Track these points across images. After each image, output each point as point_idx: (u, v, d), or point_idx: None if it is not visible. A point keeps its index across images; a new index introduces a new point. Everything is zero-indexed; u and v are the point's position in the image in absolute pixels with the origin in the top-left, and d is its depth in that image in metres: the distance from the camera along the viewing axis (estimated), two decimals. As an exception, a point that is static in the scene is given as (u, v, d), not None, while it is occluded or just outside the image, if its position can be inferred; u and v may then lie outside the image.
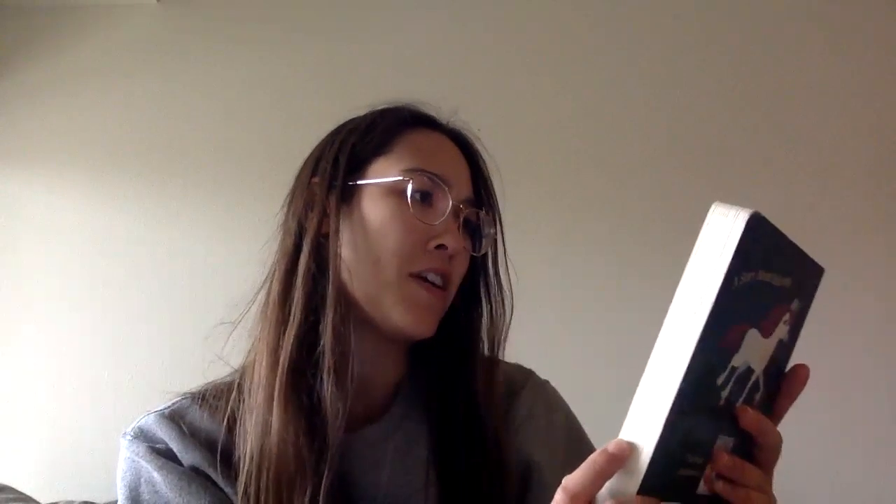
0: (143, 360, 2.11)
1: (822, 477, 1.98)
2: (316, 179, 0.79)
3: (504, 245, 0.87)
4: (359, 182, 0.78)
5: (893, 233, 2.07)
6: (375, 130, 0.81)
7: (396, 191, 0.77)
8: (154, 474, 0.74)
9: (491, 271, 0.85)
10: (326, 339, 0.73)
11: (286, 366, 0.73)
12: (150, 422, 0.77)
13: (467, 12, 2.21)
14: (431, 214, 0.77)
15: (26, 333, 2.17)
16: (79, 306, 2.17)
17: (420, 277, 0.76)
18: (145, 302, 2.16)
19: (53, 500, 1.84)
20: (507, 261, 0.88)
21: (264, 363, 0.74)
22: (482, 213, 0.83)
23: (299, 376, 0.73)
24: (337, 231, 0.76)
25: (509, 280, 0.87)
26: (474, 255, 0.83)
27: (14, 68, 2.21)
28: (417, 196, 0.77)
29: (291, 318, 0.74)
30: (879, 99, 2.12)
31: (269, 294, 0.78)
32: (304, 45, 2.22)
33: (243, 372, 0.79)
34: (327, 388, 0.72)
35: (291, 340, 0.73)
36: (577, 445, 0.83)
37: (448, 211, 0.77)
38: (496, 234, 0.84)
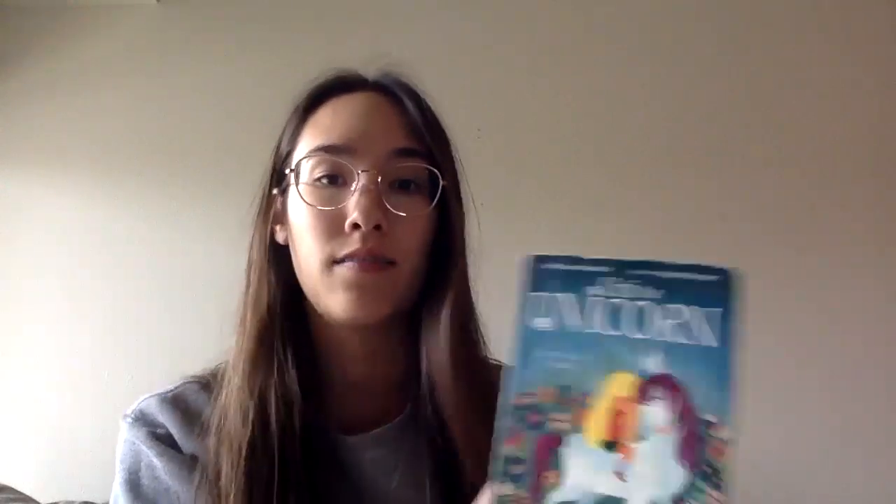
0: (144, 360, 2.11)
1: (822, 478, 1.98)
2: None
3: (465, 192, 0.78)
4: (284, 185, 0.76)
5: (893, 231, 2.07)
6: (287, 125, 0.78)
7: (305, 183, 0.73)
8: (154, 460, 0.73)
9: (455, 226, 0.75)
10: (276, 338, 0.73)
11: (247, 359, 0.73)
12: (151, 405, 0.76)
13: (469, 11, 2.21)
14: (342, 194, 0.71)
15: (27, 333, 2.17)
16: (79, 306, 2.17)
17: (343, 261, 0.71)
18: (146, 302, 2.16)
19: (53, 500, 1.84)
20: (473, 203, 0.79)
21: (231, 360, 0.75)
22: (419, 164, 0.73)
23: (258, 375, 0.73)
24: (284, 240, 0.77)
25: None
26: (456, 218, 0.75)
27: (14, 68, 2.21)
28: (323, 180, 0.72)
29: (244, 326, 0.75)
30: (880, 97, 2.12)
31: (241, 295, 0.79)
32: (304, 44, 2.21)
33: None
34: (278, 390, 0.71)
35: (249, 343, 0.74)
36: None
37: (358, 183, 0.70)
38: (445, 182, 0.73)
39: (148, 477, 0.73)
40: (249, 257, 0.78)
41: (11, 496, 1.69)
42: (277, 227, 0.77)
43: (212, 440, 0.72)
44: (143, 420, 0.75)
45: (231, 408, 0.72)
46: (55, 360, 2.15)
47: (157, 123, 2.21)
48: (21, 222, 2.20)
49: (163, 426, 0.75)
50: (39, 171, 2.21)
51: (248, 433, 0.70)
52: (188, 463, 0.73)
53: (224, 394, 0.74)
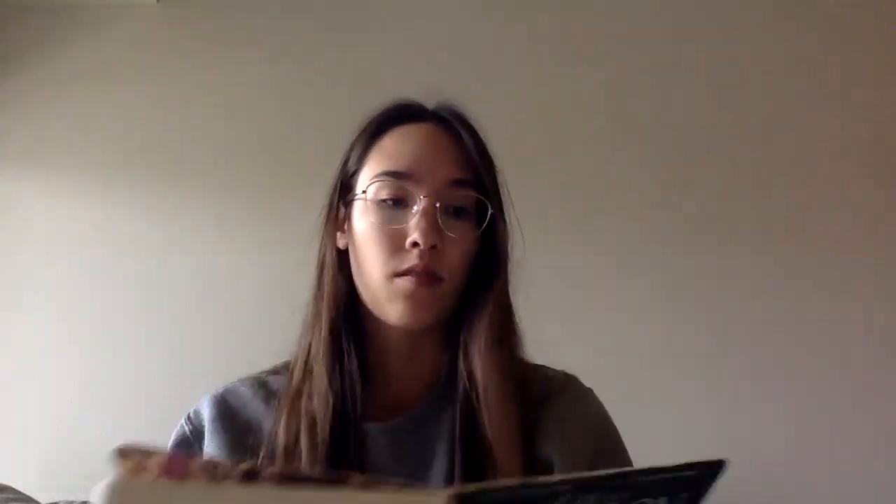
0: (144, 360, 2.11)
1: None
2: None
3: (508, 214, 0.88)
4: (349, 199, 0.87)
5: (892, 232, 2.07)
6: (356, 144, 0.88)
7: (372, 200, 0.83)
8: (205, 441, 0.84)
9: (500, 246, 0.86)
10: (345, 332, 0.84)
11: (322, 356, 0.83)
12: (203, 402, 0.87)
13: (471, 9, 2.22)
14: (403, 215, 0.82)
15: (26, 333, 2.17)
16: (80, 307, 2.17)
17: (403, 275, 0.81)
18: (146, 302, 2.16)
19: (53, 500, 1.84)
20: (517, 229, 0.88)
21: (299, 359, 0.85)
22: (470, 193, 0.84)
23: (333, 365, 0.83)
24: (345, 245, 0.87)
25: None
26: (495, 237, 0.86)
27: (13, 68, 2.21)
28: (389, 202, 0.83)
29: (319, 321, 0.85)
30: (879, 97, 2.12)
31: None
32: (305, 45, 2.22)
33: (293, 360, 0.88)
34: (348, 379, 0.82)
35: (323, 337, 0.84)
36: (606, 456, 0.85)
37: (419, 207, 0.81)
38: (493, 210, 0.84)
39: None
40: (321, 260, 0.88)
41: (11, 496, 1.69)
42: (339, 234, 0.88)
43: (285, 422, 0.81)
44: (194, 417, 0.86)
45: (315, 394, 0.82)
46: (55, 359, 2.15)
47: (156, 124, 2.21)
48: (21, 223, 2.20)
49: (202, 424, 0.85)
50: (37, 170, 2.21)
51: (331, 416, 0.80)
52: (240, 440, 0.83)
53: (301, 381, 0.84)
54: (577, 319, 2.07)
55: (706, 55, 2.17)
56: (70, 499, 1.88)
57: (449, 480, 0.80)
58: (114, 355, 2.13)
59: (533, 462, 0.81)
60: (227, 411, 0.85)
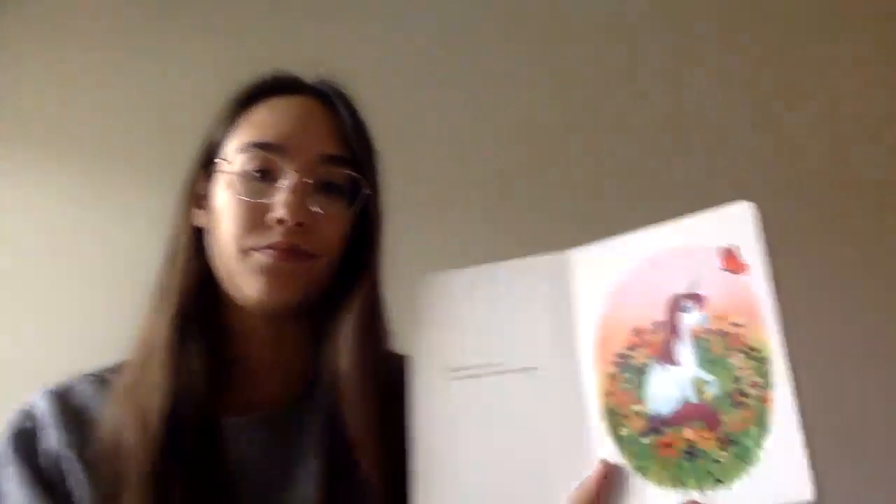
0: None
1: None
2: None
3: (383, 192, 0.82)
4: (210, 171, 0.80)
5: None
6: (223, 114, 0.81)
7: (235, 173, 0.76)
8: (9, 469, 0.74)
9: (373, 229, 0.80)
10: (193, 320, 0.76)
11: (161, 344, 0.76)
12: (37, 399, 0.78)
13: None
14: (270, 190, 0.75)
15: (26, 333, 2.13)
16: (79, 304, 2.13)
17: (263, 249, 0.74)
18: (145, 297, 2.10)
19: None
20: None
21: (138, 349, 0.78)
22: (344, 170, 0.78)
23: (172, 354, 0.75)
24: (204, 224, 0.79)
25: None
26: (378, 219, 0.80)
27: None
28: (254, 174, 0.76)
29: (164, 306, 0.78)
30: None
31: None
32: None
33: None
34: (195, 369, 0.74)
35: (164, 324, 0.76)
36: None
37: (287, 181, 0.75)
38: (367, 190, 0.78)
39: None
40: (173, 239, 0.81)
41: None
42: (197, 211, 0.80)
43: (116, 416, 0.73)
44: (24, 416, 0.77)
45: (147, 383, 0.74)
46: (54, 358, 2.07)
47: (152, 116, 2.14)
48: (19, 219, 2.15)
49: (37, 418, 0.76)
50: (31, 159, 2.14)
51: (167, 409, 0.72)
52: (34, 480, 0.72)
53: (137, 372, 0.76)
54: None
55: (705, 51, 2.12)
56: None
57: (320, 479, 0.74)
58: (114, 355, 2.09)
59: (396, 464, 0.73)
60: (70, 409, 0.76)
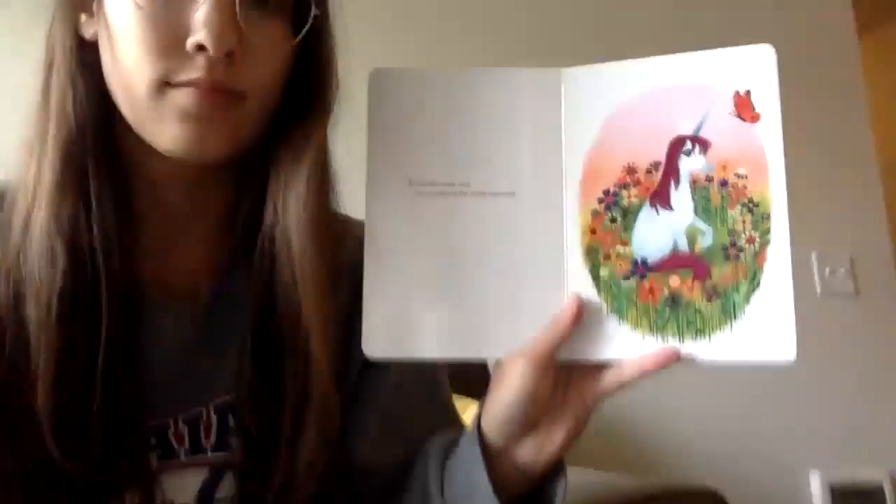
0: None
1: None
2: None
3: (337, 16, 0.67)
4: None
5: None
6: None
7: None
8: None
9: (324, 63, 0.65)
10: (89, 160, 0.61)
11: (54, 184, 0.60)
12: None
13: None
14: (186, 2, 0.57)
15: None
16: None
17: (182, 86, 0.59)
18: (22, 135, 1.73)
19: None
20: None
21: (17, 200, 0.62)
22: None
23: (67, 205, 0.60)
24: (93, 36, 0.62)
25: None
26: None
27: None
28: None
29: (44, 144, 0.61)
30: None
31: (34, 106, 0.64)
32: None
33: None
34: (101, 222, 0.60)
35: (42, 171, 0.60)
36: None
37: None
38: (316, 10, 0.62)
39: None
40: (48, 53, 0.63)
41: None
42: (84, 17, 0.62)
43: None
44: None
45: (35, 247, 0.59)
46: None
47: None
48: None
49: None
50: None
51: (60, 277, 0.58)
52: None
53: (20, 228, 0.60)
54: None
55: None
56: None
57: (250, 358, 0.64)
58: None
59: (350, 360, 0.67)
60: None
